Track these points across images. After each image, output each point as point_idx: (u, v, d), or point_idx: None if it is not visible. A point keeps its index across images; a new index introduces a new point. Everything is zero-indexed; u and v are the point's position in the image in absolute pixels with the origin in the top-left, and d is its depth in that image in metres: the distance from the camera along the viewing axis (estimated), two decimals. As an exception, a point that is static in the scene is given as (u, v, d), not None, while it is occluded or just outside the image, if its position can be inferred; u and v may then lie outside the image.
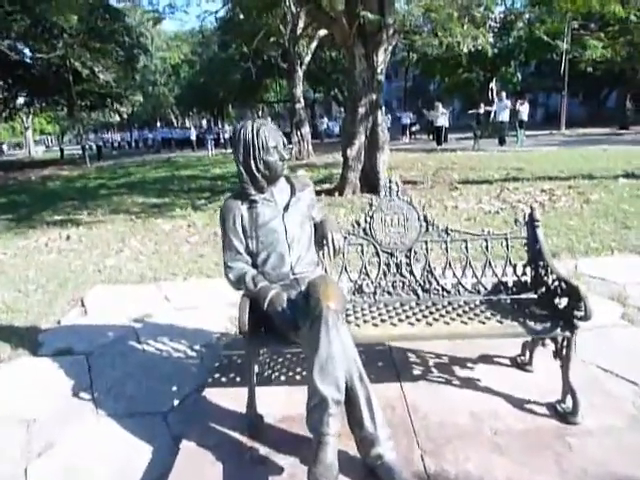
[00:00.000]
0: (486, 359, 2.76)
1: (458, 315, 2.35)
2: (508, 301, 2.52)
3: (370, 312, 2.46)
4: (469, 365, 2.72)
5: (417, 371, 2.69)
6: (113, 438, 2.50)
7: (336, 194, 8.41)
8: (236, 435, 2.30)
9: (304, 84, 23.93)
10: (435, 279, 2.60)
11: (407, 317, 2.36)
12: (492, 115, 17.48)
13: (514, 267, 2.61)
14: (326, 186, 9.43)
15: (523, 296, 2.56)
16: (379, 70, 7.90)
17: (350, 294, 2.61)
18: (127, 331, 3.69)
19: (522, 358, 2.68)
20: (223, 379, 2.78)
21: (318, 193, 8.61)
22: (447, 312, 2.40)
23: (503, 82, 27.83)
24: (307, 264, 2.34)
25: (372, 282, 2.61)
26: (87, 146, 24.66)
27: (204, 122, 34.96)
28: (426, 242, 2.62)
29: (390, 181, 2.64)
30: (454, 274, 2.61)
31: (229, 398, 2.54)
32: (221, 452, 2.18)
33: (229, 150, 23.39)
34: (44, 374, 3.17)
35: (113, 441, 2.48)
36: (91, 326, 3.84)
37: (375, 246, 2.62)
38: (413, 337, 2.26)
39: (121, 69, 20.59)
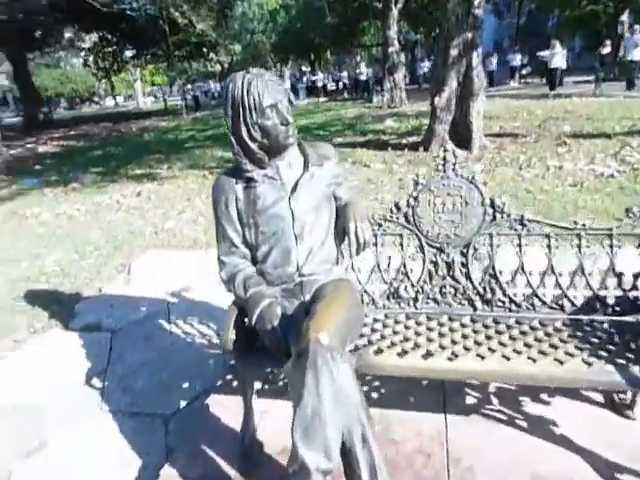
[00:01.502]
0: (569, 391, 2.03)
1: (526, 345, 1.66)
2: (606, 325, 1.77)
3: (406, 327, 1.85)
4: (544, 398, 2.03)
5: (470, 399, 2.06)
6: (107, 441, 2.22)
7: (421, 149, 7.51)
8: (225, 467, 1.87)
9: (403, 25, 22.17)
10: (501, 287, 1.90)
11: (454, 341, 1.72)
12: (621, 53, 14.75)
13: (619, 277, 1.82)
14: (412, 139, 8.51)
15: (629, 319, 1.78)
16: (476, 3, 6.68)
17: (383, 299, 2.00)
18: (160, 307, 3.41)
19: (622, 397, 1.93)
20: (234, 383, 2.37)
21: (401, 147, 7.80)
22: (512, 337, 1.72)
23: (637, 14, 23.54)
24: (320, 263, 1.77)
25: (413, 285, 1.98)
26: (187, 97, 25.28)
27: (304, 69, 34.31)
28: (491, 236, 1.90)
29: (445, 149, 1.93)
30: (529, 282, 1.89)
31: (233, 411, 2.11)
32: (202, 492, 1.78)
33: (322, 99, 22.70)
34: (66, 353, 2.99)
35: (106, 445, 2.19)
36: (128, 298, 3.62)
37: (419, 238, 1.96)
38: (457, 374, 1.62)
39: (216, 17, 20.40)
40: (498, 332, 1.76)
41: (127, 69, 30.19)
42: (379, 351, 1.70)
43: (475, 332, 1.78)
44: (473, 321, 1.86)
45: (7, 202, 7.51)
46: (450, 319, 1.89)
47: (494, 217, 1.89)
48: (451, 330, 1.80)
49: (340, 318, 1.47)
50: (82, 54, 26.57)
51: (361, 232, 1.72)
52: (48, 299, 3.76)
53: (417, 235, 1.96)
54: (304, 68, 35.27)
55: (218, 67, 40.84)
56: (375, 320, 1.93)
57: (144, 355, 2.87)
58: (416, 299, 1.97)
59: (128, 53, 26.78)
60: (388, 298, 2.00)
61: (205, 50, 21.82)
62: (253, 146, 1.69)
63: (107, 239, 5.05)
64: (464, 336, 1.75)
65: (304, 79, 23.84)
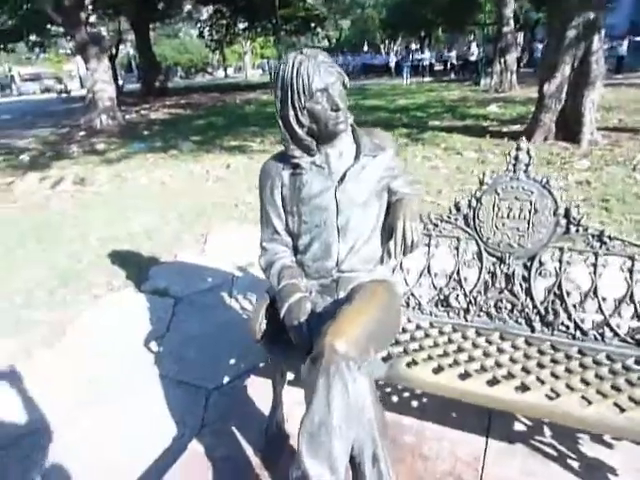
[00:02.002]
0: None
1: (584, 381, 1.44)
2: (692, 371, 1.48)
3: (449, 340, 1.70)
4: (607, 439, 1.77)
5: (519, 425, 1.86)
6: (151, 405, 2.32)
7: (522, 139, 6.91)
8: (249, 452, 1.87)
9: (523, 2, 20.56)
10: (566, 310, 1.67)
11: (499, 363, 1.54)
12: None
13: None
14: (515, 128, 7.90)
15: None
16: (606, -23, 5.93)
17: (431, 305, 1.85)
18: (226, 280, 3.50)
19: None
20: (277, 367, 2.35)
21: (500, 136, 7.27)
22: (569, 370, 1.51)
23: None
24: (362, 260, 1.67)
25: (465, 295, 1.80)
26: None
27: (413, 47, 33.19)
28: (562, 250, 1.67)
29: (518, 147, 1.71)
30: (600, 308, 1.64)
31: (269, 396, 2.10)
32: (221, 473, 1.79)
33: (426, 79, 21.86)
34: (134, 314, 3.17)
35: (149, 409, 2.30)
36: (198, 267, 3.76)
37: (478, 244, 1.78)
38: (494, 402, 1.45)
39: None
40: (554, 361, 1.55)
41: (238, 41, 31.19)
42: (413, 363, 1.57)
43: (527, 357, 1.58)
44: (528, 344, 1.66)
45: (114, 164, 8.13)
46: (502, 337, 1.70)
47: (567, 229, 1.64)
48: (499, 351, 1.62)
49: (365, 325, 1.36)
50: (198, 25, 27.82)
51: (410, 232, 1.58)
52: (129, 260, 4.01)
53: (476, 240, 1.78)
54: (413, 46, 34.18)
55: (326, 42, 40.88)
56: (418, 327, 1.79)
57: (201, 326, 2.96)
58: (467, 310, 1.79)
59: (240, 25, 27.57)
60: (436, 305, 1.85)
61: (313, 25, 21.85)
62: (300, 131, 1.60)
63: (191, 207, 5.28)
64: (512, 360, 1.56)
65: (410, 58, 23.03)
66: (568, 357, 1.57)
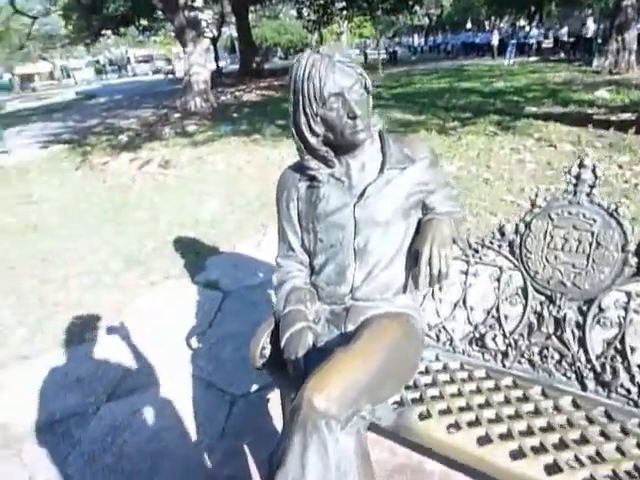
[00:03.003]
0: None
1: (638, 469, 1.14)
2: None
3: (478, 389, 1.44)
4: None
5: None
6: (177, 404, 2.31)
7: (631, 131, 6.06)
8: (254, 474, 1.77)
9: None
10: (628, 370, 1.34)
11: (531, 429, 1.27)
12: None
13: None
14: (625, 116, 6.95)
15: None
16: None
17: (464, 343, 1.60)
18: (276, 276, 3.41)
19: None
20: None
21: (606, 126, 6.45)
22: (621, 450, 1.20)
23: None
24: (380, 288, 1.46)
25: (505, 336, 1.52)
26: (390, 51, 24.92)
27: (521, 24, 30.75)
28: (629, 296, 1.33)
29: (581, 163, 1.39)
30: (674, 374, 1.29)
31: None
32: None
33: (532, 58, 20.18)
34: (183, 305, 3.19)
35: (175, 408, 2.28)
36: (253, 261, 3.71)
37: (524, 278, 1.48)
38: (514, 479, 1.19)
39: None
40: (604, 435, 1.25)
41: (335, 21, 30.86)
42: (426, 416, 1.34)
43: (570, 425, 1.29)
44: (575, 405, 1.36)
45: (199, 147, 8.39)
46: (544, 393, 1.41)
47: (638, 271, 1.31)
48: (536, 412, 1.34)
49: (358, 375, 1.16)
50: (296, 6, 27.88)
51: (437, 260, 1.35)
52: (190, 248, 4.07)
53: (522, 273, 1.48)
54: (522, 22, 31.71)
55: (426, 20, 39.23)
56: (444, 368, 1.55)
57: (241, 324, 2.90)
58: (506, 354, 1.52)
59: (337, 5, 27.19)
60: (470, 343, 1.59)
61: (410, 3, 20.93)
62: (313, 140, 1.42)
63: (258, 196, 5.26)
64: (550, 426, 1.28)
65: (515, 35, 21.31)
66: (625, 431, 1.26)
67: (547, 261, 1.43)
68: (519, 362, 1.50)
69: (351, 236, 1.47)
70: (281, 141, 8.07)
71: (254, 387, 2.37)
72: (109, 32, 22.14)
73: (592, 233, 1.35)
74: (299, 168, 1.56)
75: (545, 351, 1.46)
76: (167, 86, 24.62)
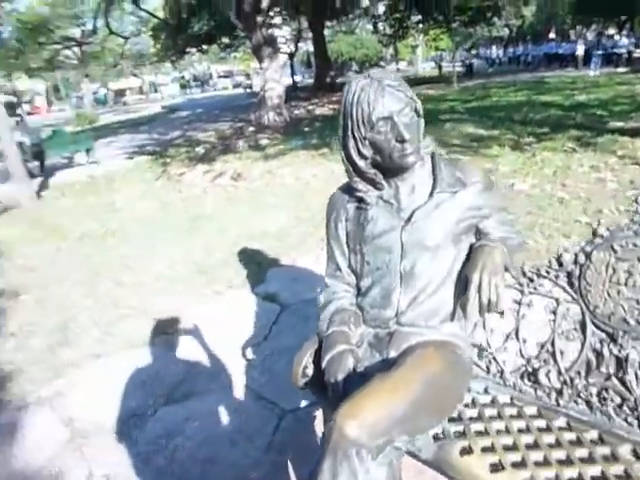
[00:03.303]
0: None
1: None
2: None
3: (527, 428, 1.36)
4: None
5: None
6: (229, 414, 2.37)
7: None
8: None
9: None
10: (700, 421, 1.21)
11: (582, 477, 1.18)
12: None
13: None
14: None
15: None
16: None
17: (515, 377, 1.52)
18: (334, 292, 3.43)
19: None
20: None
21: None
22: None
23: None
24: (426, 314, 1.44)
25: (560, 373, 1.43)
26: (466, 63, 24.37)
27: (610, 32, 28.95)
28: (702, 339, 1.21)
29: (650, 194, 1.28)
30: None
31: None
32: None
33: (620, 69, 18.92)
34: (241, 316, 3.28)
35: (226, 418, 2.35)
36: (312, 275, 3.74)
37: (583, 312, 1.39)
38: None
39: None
40: (668, 493, 1.14)
41: (411, 34, 30.75)
42: (469, 451, 1.29)
43: (628, 476, 1.18)
44: (635, 455, 1.25)
45: (270, 160, 8.63)
46: (600, 439, 1.30)
47: None
48: (590, 459, 1.24)
49: (393, 405, 1.14)
50: (372, 21, 28.12)
51: (487, 289, 1.31)
52: (253, 259, 4.19)
53: (580, 307, 1.39)
54: (610, 31, 29.95)
55: (506, 31, 38.02)
56: (493, 402, 1.48)
57: (297, 338, 2.92)
58: (560, 392, 1.42)
59: (413, 19, 27.10)
60: (522, 377, 1.50)
61: (489, 15, 20.40)
62: (361, 163, 1.43)
63: (322, 209, 5.28)
64: (605, 477, 1.18)
65: (601, 45, 20.10)
66: (692, 491, 1.14)
67: (609, 295, 1.33)
68: (575, 402, 1.40)
69: (397, 259, 1.45)
70: (349, 155, 8.10)
71: (303, 403, 2.39)
72: (193, 50, 23.44)
73: (661, 268, 1.25)
74: (349, 189, 1.57)
75: (604, 393, 1.35)
76: (245, 100, 25.59)
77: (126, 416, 2.45)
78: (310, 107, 17.90)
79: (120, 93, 56.34)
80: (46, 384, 2.83)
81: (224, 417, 2.37)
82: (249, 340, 2.99)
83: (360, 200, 1.52)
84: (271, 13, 23.12)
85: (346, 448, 1.07)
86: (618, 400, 1.33)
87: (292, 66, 30.62)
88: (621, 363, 1.32)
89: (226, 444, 2.18)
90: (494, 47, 34.63)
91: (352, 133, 1.39)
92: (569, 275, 1.41)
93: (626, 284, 1.31)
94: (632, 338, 1.30)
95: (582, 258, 1.38)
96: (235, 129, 14.30)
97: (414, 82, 24.70)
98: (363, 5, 28.98)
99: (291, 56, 30.57)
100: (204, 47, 23.10)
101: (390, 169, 1.44)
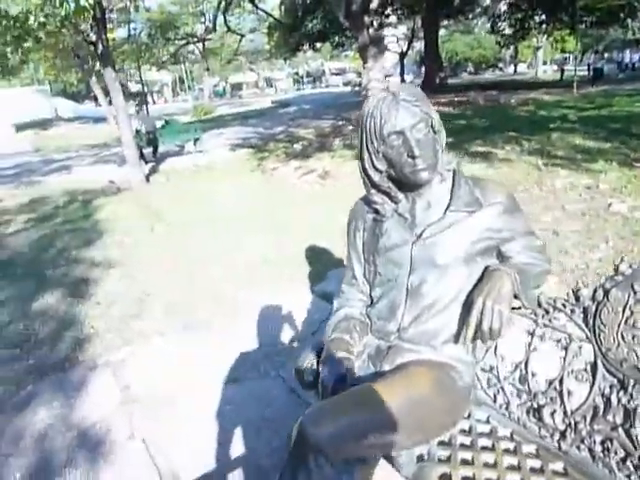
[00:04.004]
0: None
1: None
2: None
3: (519, 465, 1.30)
4: None
5: None
6: (257, 406, 2.49)
7: None
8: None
9: None
10: None
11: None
12: None
13: None
14: None
15: None
16: None
17: (520, 410, 1.44)
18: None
19: None
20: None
21: None
22: None
23: None
24: (428, 334, 1.43)
25: (565, 414, 1.34)
26: (594, 67, 22.51)
27: None
28: None
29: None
30: None
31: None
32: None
33: None
34: (295, 310, 3.39)
35: (253, 408, 2.47)
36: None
37: (595, 353, 1.29)
38: None
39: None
40: None
41: (533, 35, 28.95)
42: (447, 478, 1.26)
43: (613, 537, 1.09)
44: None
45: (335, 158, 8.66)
46: (598, 492, 1.21)
47: None
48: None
49: (361, 418, 1.15)
50: (490, 20, 26.91)
51: (489, 315, 1.29)
52: (319, 257, 4.30)
53: (593, 348, 1.29)
54: None
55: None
56: (491, 432, 1.42)
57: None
58: (563, 435, 1.33)
59: (537, 19, 25.47)
60: (528, 413, 1.42)
61: (621, 15, 18.51)
62: (376, 177, 1.45)
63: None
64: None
65: None
66: None
67: (623, 339, 1.22)
68: (577, 448, 1.30)
69: (406, 274, 1.45)
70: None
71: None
72: (306, 47, 24.13)
73: (682, 316, 1.12)
74: (368, 201, 1.59)
75: (608, 443, 1.24)
76: (353, 98, 25.83)
77: (177, 394, 2.65)
78: (414, 108, 17.56)
79: (238, 87, 59.60)
80: (114, 351, 3.16)
81: (256, 405, 2.48)
82: (297, 334, 3.09)
83: (376, 212, 1.53)
84: (386, 12, 23.14)
85: (305, 452, 1.11)
86: (622, 453, 1.22)
87: (402, 65, 30.25)
88: (629, 414, 1.21)
89: (252, 430, 2.30)
90: (628, 51, 31.44)
91: (367, 146, 1.42)
92: (585, 311, 1.31)
93: (643, 328, 1.19)
94: (644, 388, 1.19)
95: (600, 295, 1.27)
96: (335, 127, 14.52)
97: (529, 86, 23.29)
98: (483, 4, 27.89)
99: (402, 55, 30.21)
100: (316, 45, 23.65)
101: (405, 183, 1.43)
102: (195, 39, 17.23)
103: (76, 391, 2.78)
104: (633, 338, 1.20)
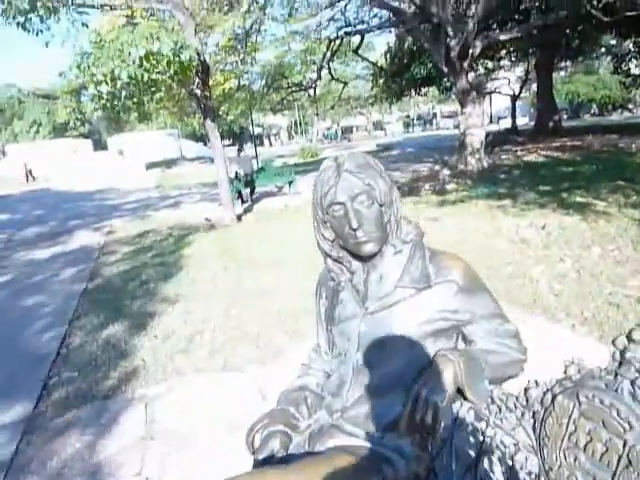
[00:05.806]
0: None
1: None
2: None
3: None
4: None
5: None
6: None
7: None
8: None
9: None
10: None
11: None
12: None
13: None
14: None
15: None
16: None
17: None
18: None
19: None
20: None
21: None
22: None
23: None
24: (371, 417, 1.34)
25: (507, 536, 1.14)
26: None
27: None
28: None
29: (629, 336, 0.97)
30: None
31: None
32: None
33: None
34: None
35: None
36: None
37: (539, 471, 1.10)
38: None
39: None
40: None
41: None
42: None
43: None
44: None
45: (444, 206, 8.44)
46: None
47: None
48: None
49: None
50: (613, 60, 25.11)
51: (421, 407, 1.17)
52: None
53: (538, 462, 1.10)
54: None
55: None
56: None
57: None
58: None
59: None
60: (473, 525, 1.23)
61: None
62: (325, 245, 1.42)
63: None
64: None
65: None
66: None
67: (565, 458, 1.02)
68: None
69: (354, 350, 1.37)
70: (530, 210, 7.40)
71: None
72: (412, 92, 24.33)
73: (624, 443, 0.92)
74: (327, 268, 1.54)
75: None
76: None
77: (195, 431, 2.71)
78: (520, 152, 16.78)
79: (349, 130, 61.61)
80: (153, 385, 3.33)
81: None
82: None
83: (333, 280, 1.48)
84: (498, 55, 22.64)
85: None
86: None
87: (514, 108, 29.12)
88: None
89: None
90: None
91: (315, 214, 1.39)
92: (534, 416, 1.13)
93: (585, 450, 0.99)
94: (586, 522, 0.98)
95: (548, 399, 1.09)
96: (432, 171, 14.33)
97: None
98: (605, 44, 26.18)
99: (515, 98, 29.12)
100: (421, 90, 23.78)
101: (355, 254, 1.38)
102: (302, 87, 18.27)
103: (109, 421, 2.96)
104: (575, 460, 1.01)
